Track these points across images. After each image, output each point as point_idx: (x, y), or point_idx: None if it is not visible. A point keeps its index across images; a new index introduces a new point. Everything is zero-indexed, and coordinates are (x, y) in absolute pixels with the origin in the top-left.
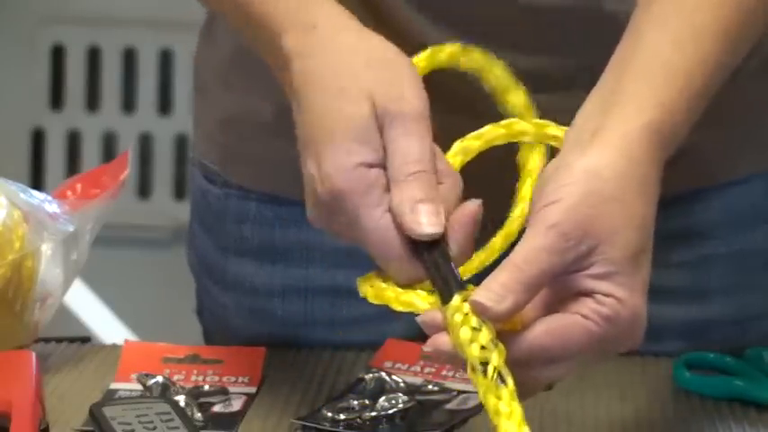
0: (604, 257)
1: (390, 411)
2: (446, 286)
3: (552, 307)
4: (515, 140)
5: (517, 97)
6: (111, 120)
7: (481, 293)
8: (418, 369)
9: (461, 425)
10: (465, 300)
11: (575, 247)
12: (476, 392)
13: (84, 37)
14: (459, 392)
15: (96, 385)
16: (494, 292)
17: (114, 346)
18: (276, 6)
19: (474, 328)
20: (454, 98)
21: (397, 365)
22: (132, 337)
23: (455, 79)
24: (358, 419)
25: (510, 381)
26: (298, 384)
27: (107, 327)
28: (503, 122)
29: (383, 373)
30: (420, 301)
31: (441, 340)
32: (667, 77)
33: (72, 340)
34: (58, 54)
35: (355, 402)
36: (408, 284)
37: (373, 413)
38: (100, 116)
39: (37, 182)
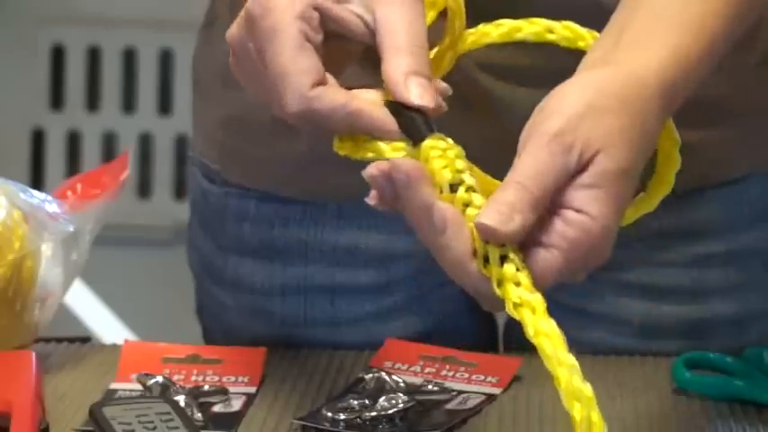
0: (596, 168)
1: (390, 411)
2: (416, 128)
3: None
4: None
5: None
6: (111, 120)
7: (486, 215)
8: (418, 369)
9: (461, 425)
10: (440, 139)
11: (577, 160)
12: (475, 392)
13: (84, 37)
14: (459, 392)
15: (96, 385)
16: (500, 213)
17: (114, 346)
18: None
19: (449, 161)
20: None
21: (397, 365)
22: (132, 337)
23: None
24: (358, 419)
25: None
26: (298, 384)
27: (107, 327)
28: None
29: (383, 373)
30: (389, 150)
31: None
32: (681, 23)
33: (72, 340)
34: (58, 54)
35: (355, 402)
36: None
37: (373, 413)
38: (100, 116)
39: (37, 182)
